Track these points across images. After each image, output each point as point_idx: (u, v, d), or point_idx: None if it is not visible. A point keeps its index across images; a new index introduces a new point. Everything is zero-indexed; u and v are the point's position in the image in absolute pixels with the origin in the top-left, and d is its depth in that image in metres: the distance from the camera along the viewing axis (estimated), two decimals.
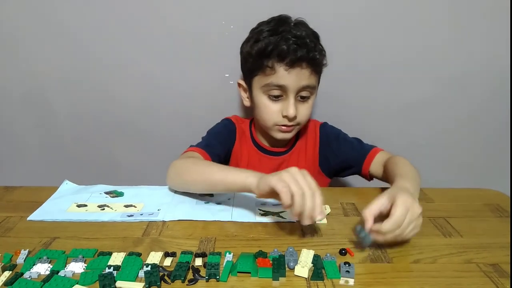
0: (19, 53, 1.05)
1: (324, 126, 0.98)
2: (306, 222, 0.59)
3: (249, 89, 0.88)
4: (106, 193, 0.79)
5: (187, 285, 0.51)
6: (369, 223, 0.58)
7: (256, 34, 0.83)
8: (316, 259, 0.56)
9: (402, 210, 0.56)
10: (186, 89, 1.09)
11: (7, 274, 0.52)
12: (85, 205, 0.73)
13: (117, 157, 1.17)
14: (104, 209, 0.72)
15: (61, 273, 0.52)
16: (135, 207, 0.73)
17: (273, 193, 0.61)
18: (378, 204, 0.59)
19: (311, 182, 0.60)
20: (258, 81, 0.83)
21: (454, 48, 1.05)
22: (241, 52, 0.88)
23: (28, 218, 0.68)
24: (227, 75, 1.07)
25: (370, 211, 0.59)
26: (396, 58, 1.06)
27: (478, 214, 0.72)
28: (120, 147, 1.16)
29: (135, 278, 0.52)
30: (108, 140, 1.15)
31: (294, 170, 0.61)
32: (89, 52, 1.04)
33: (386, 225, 0.56)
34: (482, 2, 1.00)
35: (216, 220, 0.68)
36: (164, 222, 0.67)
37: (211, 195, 0.78)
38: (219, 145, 0.89)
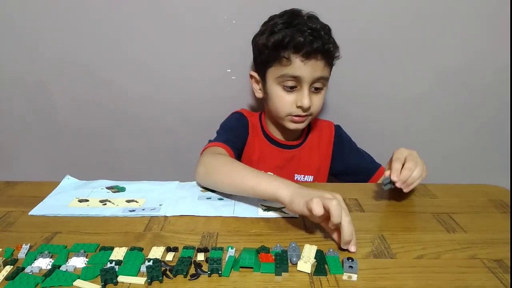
0: (21, 47, 1.04)
1: (339, 128, 1.01)
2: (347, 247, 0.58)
3: (263, 80, 0.89)
4: (108, 188, 0.79)
5: (189, 280, 0.51)
6: (388, 173, 0.71)
7: (270, 26, 0.84)
8: (319, 255, 0.55)
9: (399, 155, 0.72)
10: (189, 85, 1.08)
11: (8, 268, 0.52)
12: (87, 200, 0.73)
13: (119, 152, 1.17)
14: (105, 204, 0.72)
15: (63, 268, 0.52)
16: (137, 202, 0.73)
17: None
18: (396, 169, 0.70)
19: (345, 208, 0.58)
20: (273, 72, 0.84)
21: (458, 43, 1.04)
22: (255, 44, 0.89)
23: (30, 213, 0.68)
24: (229, 70, 1.06)
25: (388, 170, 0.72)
26: (398, 53, 1.05)
27: (482, 210, 0.72)
28: (122, 142, 1.16)
29: (137, 273, 0.51)
30: (110, 135, 1.15)
31: (325, 193, 0.58)
32: (92, 46, 1.04)
33: (394, 165, 0.70)
34: (489, 1, 1.00)
35: (218, 215, 0.67)
36: (166, 217, 0.67)
37: (213, 190, 0.78)
38: (237, 138, 0.91)
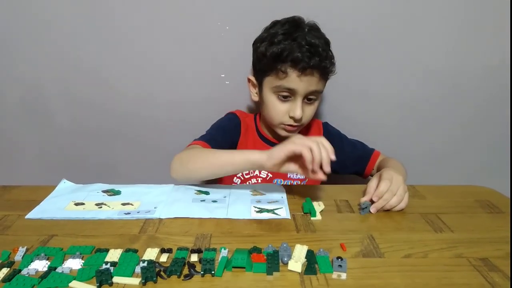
0: (18, 54, 1.05)
1: (326, 125, 1.04)
2: (320, 175, 0.68)
3: (259, 86, 0.91)
4: (104, 191, 0.80)
5: (182, 280, 0.52)
6: (368, 198, 0.72)
7: (270, 35, 0.85)
8: (310, 254, 0.57)
9: (387, 178, 0.72)
10: (183, 90, 1.10)
11: (5, 271, 0.53)
12: (83, 204, 0.74)
13: (114, 156, 1.18)
14: (101, 207, 0.73)
15: (59, 270, 0.53)
16: (132, 205, 0.74)
17: (286, 161, 0.70)
18: (371, 187, 0.74)
19: (317, 138, 0.69)
20: (269, 82, 0.86)
21: (450, 46, 1.06)
22: (255, 50, 0.90)
23: (26, 217, 0.69)
24: (223, 75, 1.08)
25: (367, 192, 0.74)
26: (391, 57, 1.07)
27: (469, 210, 0.74)
28: (117, 146, 1.17)
29: (131, 274, 0.52)
30: (105, 139, 1.16)
31: (299, 135, 0.71)
32: (87, 54, 1.05)
33: (380, 186, 0.71)
34: (480, 1, 1.02)
35: (212, 217, 0.69)
36: (160, 219, 0.68)
37: (207, 193, 0.79)
38: (222, 138, 0.92)
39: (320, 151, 0.66)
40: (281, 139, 0.96)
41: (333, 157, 0.67)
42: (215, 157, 0.78)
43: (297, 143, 0.67)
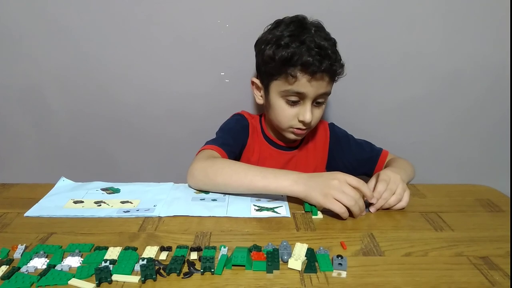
0: (17, 52, 1.05)
1: (332, 126, 1.02)
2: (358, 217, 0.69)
3: (265, 89, 0.88)
4: (103, 189, 0.80)
5: (182, 278, 0.52)
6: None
7: (276, 37, 0.82)
8: (310, 253, 0.56)
9: (385, 177, 0.73)
10: (182, 88, 1.10)
11: (4, 268, 0.53)
12: (82, 202, 0.74)
13: (113, 154, 1.18)
14: (100, 205, 0.72)
15: (58, 267, 0.53)
16: (132, 203, 0.73)
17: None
18: (369, 186, 0.72)
19: (355, 183, 0.68)
20: (277, 86, 0.84)
21: (448, 46, 1.07)
22: (259, 52, 0.88)
23: (25, 214, 0.68)
24: (223, 73, 1.08)
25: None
26: (390, 56, 1.07)
27: (469, 209, 0.74)
28: (116, 145, 1.17)
29: (131, 272, 0.52)
30: (104, 138, 1.16)
31: (336, 182, 0.67)
32: (86, 51, 1.05)
33: (377, 187, 0.71)
34: (480, 1, 1.02)
35: (212, 215, 0.68)
36: (160, 217, 0.68)
37: (207, 192, 0.79)
38: (234, 142, 0.91)
39: (358, 207, 0.67)
40: (286, 140, 0.96)
41: (370, 200, 0.71)
42: (248, 179, 0.73)
43: (332, 200, 0.66)
